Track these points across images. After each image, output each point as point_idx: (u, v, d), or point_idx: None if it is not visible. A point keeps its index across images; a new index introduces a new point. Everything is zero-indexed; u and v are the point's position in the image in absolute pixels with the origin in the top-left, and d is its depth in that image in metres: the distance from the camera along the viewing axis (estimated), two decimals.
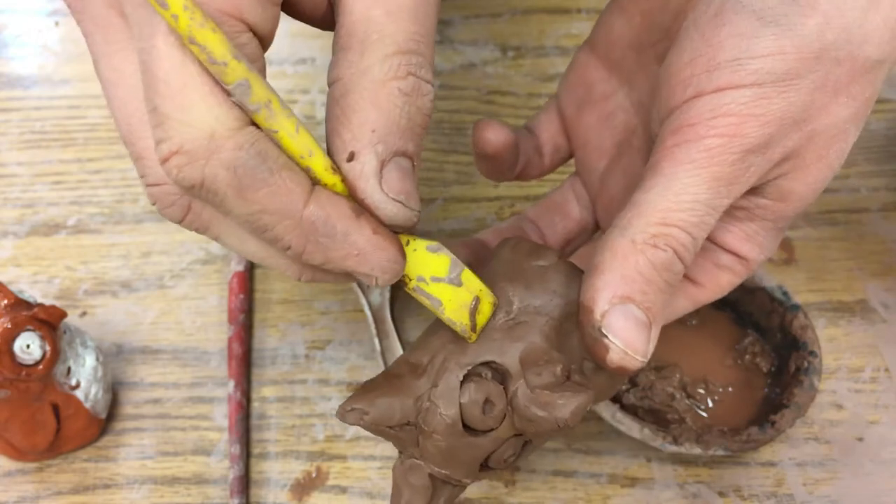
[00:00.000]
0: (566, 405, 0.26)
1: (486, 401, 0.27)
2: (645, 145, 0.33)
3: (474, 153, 0.35)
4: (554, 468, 0.39)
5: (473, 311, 0.27)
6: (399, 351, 0.42)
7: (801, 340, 0.39)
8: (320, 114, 0.52)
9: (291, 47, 0.55)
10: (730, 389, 0.39)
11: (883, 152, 0.50)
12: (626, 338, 0.26)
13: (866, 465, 0.39)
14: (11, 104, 0.53)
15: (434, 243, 0.26)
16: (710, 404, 0.39)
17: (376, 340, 0.42)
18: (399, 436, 0.28)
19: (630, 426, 0.36)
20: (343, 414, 0.28)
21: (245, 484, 0.38)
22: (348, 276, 0.26)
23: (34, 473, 0.39)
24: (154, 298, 0.45)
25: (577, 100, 0.35)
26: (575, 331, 0.28)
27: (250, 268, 0.45)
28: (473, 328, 0.27)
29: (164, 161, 0.22)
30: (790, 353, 0.39)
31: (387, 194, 0.24)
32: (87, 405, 0.38)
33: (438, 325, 0.29)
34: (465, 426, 0.27)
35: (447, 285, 0.26)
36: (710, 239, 0.29)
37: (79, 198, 0.49)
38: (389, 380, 0.28)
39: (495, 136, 0.33)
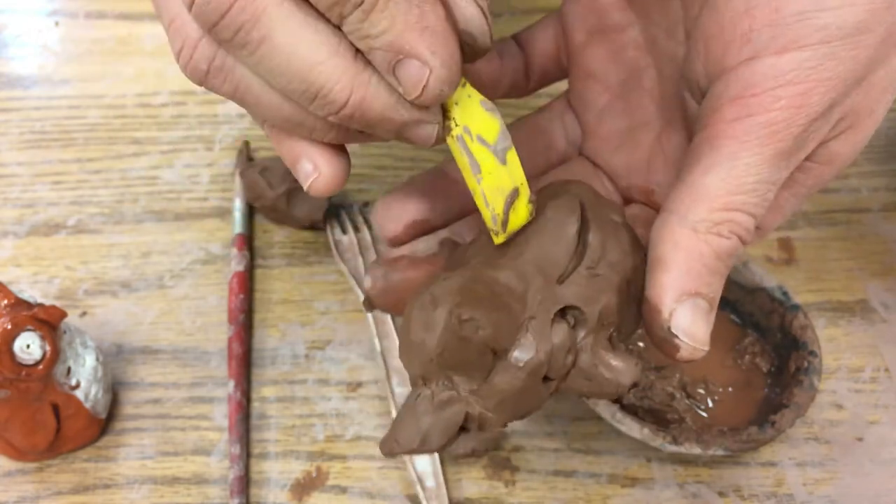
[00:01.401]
0: (629, 372, 0.25)
1: (570, 348, 0.25)
2: (657, 87, 0.31)
3: None
4: (554, 468, 0.39)
5: (509, 204, 0.25)
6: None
7: (801, 340, 0.39)
8: None
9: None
10: (730, 389, 0.39)
11: (883, 152, 0.50)
12: (693, 332, 0.25)
13: (866, 465, 0.39)
14: (11, 104, 0.53)
15: (488, 101, 0.24)
16: (710, 404, 0.39)
17: (376, 340, 0.42)
18: (473, 363, 0.25)
19: (630, 426, 0.36)
20: (460, 322, 0.25)
21: (245, 484, 0.38)
22: (387, 113, 0.23)
23: (34, 473, 0.39)
24: (154, 298, 0.45)
25: (587, 26, 0.32)
26: (632, 302, 0.27)
27: (250, 268, 0.45)
28: (504, 225, 0.25)
29: (189, 3, 0.21)
30: (790, 353, 0.39)
31: None
32: (87, 405, 0.38)
33: (509, 247, 0.26)
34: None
35: (491, 155, 0.24)
36: None
37: (79, 198, 0.49)
38: (494, 296, 0.25)
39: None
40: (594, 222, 0.26)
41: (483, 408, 0.26)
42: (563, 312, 0.26)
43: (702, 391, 0.39)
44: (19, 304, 0.35)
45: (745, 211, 0.25)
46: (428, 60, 0.21)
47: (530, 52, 0.33)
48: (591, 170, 0.33)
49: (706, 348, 0.26)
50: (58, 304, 0.38)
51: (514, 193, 0.25)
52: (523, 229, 0.26)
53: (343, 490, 0.39)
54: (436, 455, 0.39)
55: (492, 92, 0.32)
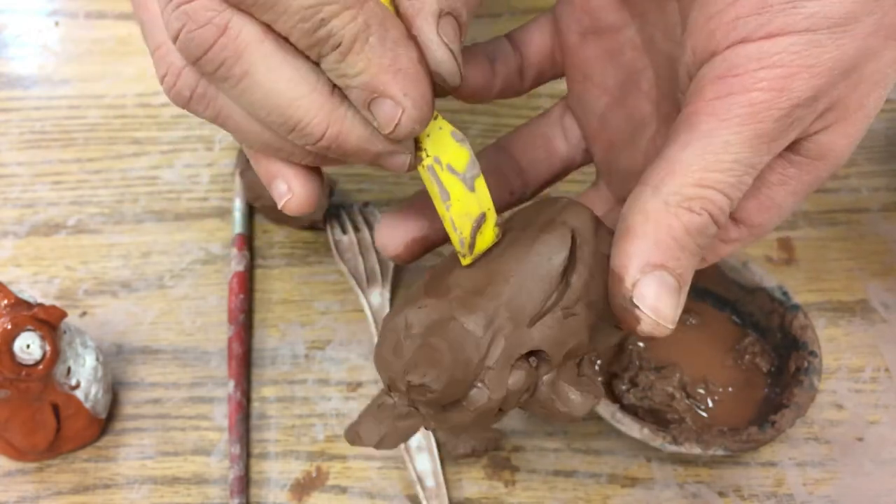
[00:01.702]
0: (584, 405, 0.26)
1: (527, 389, 0.26)
2: (655, 89, 0.31)
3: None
4: (554, 468, 0.39)
5: (475, 229, 0.26)
6: None
7: (801, 340, 0.39)
8: None
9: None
10: (730, 389, 0.39)
11: (883, 152, 0.50)
12: (657, 307, 0.25)
13: (866, 465, 0.39)
14: (11, 104, 0.53)
15: (458, 132, 0.25)
16: (710, 404, 0.39)
17: (376, 340, 0.42)
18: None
19: (630, 426, 0.36)
20: (410, 390, 0.26)
21: (245, 484, 0.38)
22: (361, 146, 0.24)
23: (34, 473, 0.39)
24: (154, 298, 0.45)
25: (581, 27, 0.32)
26: (601, 327, 0.27)
27: (250, 268, 0.45)
28: (471, 248, 0.26)
29: (174, 37, 0.23)
30: (790, 353, 0.39)
31: (441, 38, 0.23)
32: (87, 405, 0.38)
33: (491, 278, 0.27)
34: None
35: (460, 183, 0.25)
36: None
37: (79, 198, 0.49)
38: (453, 351, 0.26)
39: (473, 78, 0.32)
40: (581, 260, 0.27)
41: (438, 428, 0.27)
42: (528, 354, 0.26)
43: (702, 391, 0.39)
44: (19, 304, 0.35)
45: (720, 189, 0.24)
46: (401, 101, 0.23)
47: (524, 52, 0.33)
48: (607, 198, 0.33)
49: (671, 326, 0.25)
50: (58, 304, 0.38)
51: (481, 218, 0.26)
52: (509, 262, 0.26)
53: (343, 490, 0.39)
54: (436, 455, 0.39)
55: (486, 92, 0.33)
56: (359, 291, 0.44)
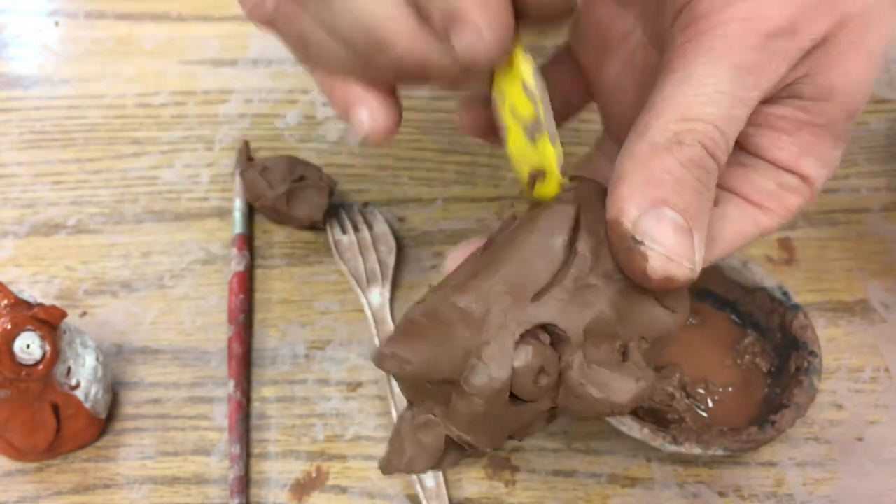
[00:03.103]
0: (625, 390, 0.23)
1: (541, 370, 0.24)
2: None
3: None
4: (554, 468, 0.39)
5: (533, 178, 0.25)
6: None
7: (801, 340, 0.39)
8: (321, 113, 0.52)
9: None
10: (730, 389, 0.39)
11: (883, 152, 0.50)
12: (666, 242, 0.23)
13: (866, 465, 0.39)
14: (11, 104, 0.53)
15: (531, 84, 0.24)
16: (710, 404, 0.39)
17: (376, 340, 0.42)
18: (432, 391, 0.25)
19: (630, 426, 0.36)
20: (381, 359, 0.24)
21: (245, 484, 0.38)
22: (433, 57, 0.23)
23: (34, 473, 0.39)
24: (154, 298, 0.45)
25: (595, 48, 0.32)
26: (639, 304, 0.25)
27: (250, 268, 0.45)
28: (531, 190, 0.26)
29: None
30: (790, 353, 0.39)
31: None
32: (87, 405, 0.38)
33: (490, 261, 0.26)
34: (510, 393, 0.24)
35: (520, 129, 0.25)
36: (763, 156, 0.27)
37: (79, 198, 0.49)
38: (437, 325, 0.25)
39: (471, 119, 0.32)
40: (587, 230, 0.25)
41: (458, 431, 0.25)
42: (536, 332, 0.24)
43: (702, 391, 0.39)
44: (19, 304, 0.35)
45: (707, 120, 0.24)
46: (480, 30, 0.22)
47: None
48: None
49: (691, 266, 0.23)
50: (58, 304, 0.38)
51: (540, 174, 0.25)
52: (509, 244, 0.26)
53: (343, 490, 0.39)
54: None
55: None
56: (359, 291, 0.44)
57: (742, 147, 0.28)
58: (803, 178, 0.27)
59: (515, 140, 0.25)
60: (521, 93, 0.24)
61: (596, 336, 0.24)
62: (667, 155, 0.23)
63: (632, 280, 0.24)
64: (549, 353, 0.24)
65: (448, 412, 0.25)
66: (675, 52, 0.24)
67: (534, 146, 0.25)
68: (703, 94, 0.24)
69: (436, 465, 0.26)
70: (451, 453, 0.26)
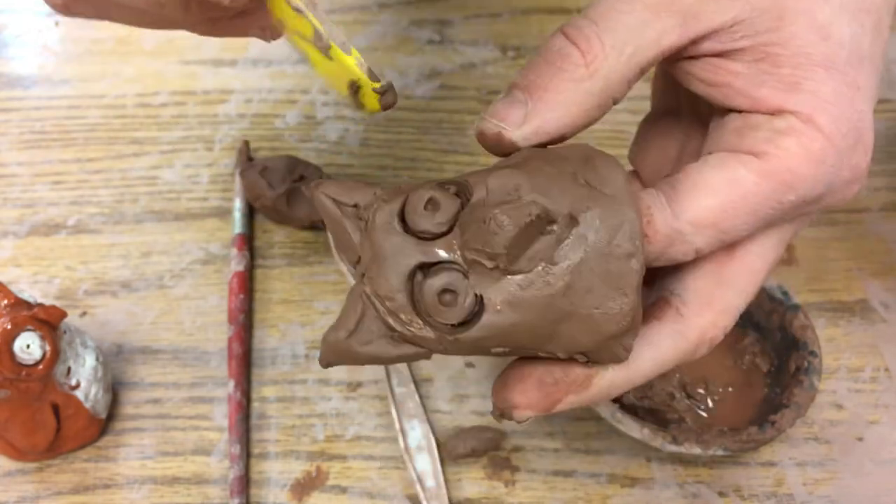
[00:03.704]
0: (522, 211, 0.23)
1: (431, 200, 0.24)
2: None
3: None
4: (554, 468, 0.39)
5: (354, 92, 0.26)
6: None
7: (801, 340, 0.39)
8: (321, 113, 0.52)
9: (291, 47, 0.55)
10: (730, 389, 0.39)
11: (883, 152, 0.50)
12: (494, 110, 0.26)
13: (866, 465, 0.39)
14: (11, 104, 0.53)
15: (300, 3, 0.25)
16: (710, 404, 0.39)
17: None
18: (350, 235, 0.25)
19: (630, 426, 0.36)
20: (312, 189, 0.26)
21: (245, 484, 0.38)
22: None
23: (34, 473, 0.39)
24: (154, 298, 0.45)
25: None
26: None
27: (250, 268, 0.45)
28: (359, 108, 0.26)
29: None
30: (790, 353, 0.39)
31: None
32: (87, 405, 0.38)
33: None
34: (404, 227, 0.24)
35: (315, 49, 0.25)
36: (749, 95, 0.26)
37: (79, 198, 0.49)
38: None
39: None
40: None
41: (368, 283, 0.24)
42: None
43: (702, 391, 0.39)
44: (19, 304, 0.35)
45: (584, 14, 0.26)
46: None
47: None
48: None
49: (500, 124, 0.26)
50: (58, 304, 0.38)
51: (354, 85, 0.26)
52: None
53: (343, 490, 0.39)
54: (436, 455, 0.39)
55: None
56: None
57: (722, 111, 0.28)
58: (803, 116, 0.25)
59: (317, 61, 0.26)
60: (294, 14, 0.25)
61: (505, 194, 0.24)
62: (535, 54, 0.26)
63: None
64: (446, 194, 0.24)
65: (361, 261, 0.25)
66: None
67: (332, 61, 0.25)
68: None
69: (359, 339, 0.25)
70: (371, 326, 0.25)
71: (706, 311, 0.27)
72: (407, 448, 0.39)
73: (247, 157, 0.50)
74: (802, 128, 0.25)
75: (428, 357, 0.25)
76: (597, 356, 0.25)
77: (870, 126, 0.28)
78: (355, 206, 0.25)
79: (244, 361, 0.42)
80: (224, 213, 0.48)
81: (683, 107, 0.31)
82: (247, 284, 0.44)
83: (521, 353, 0.25)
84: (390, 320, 0.24)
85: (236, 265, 0.45)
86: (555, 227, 0.24)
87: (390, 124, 0.52)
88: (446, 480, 0.38)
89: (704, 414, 0.39)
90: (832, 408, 0.41)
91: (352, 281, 0.45)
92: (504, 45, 0.56)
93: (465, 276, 0.24)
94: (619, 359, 0.25)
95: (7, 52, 0.56)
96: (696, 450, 0.36)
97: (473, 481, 0.39)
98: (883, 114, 0.51)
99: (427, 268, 0.24)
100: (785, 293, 0.40)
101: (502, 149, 0.26)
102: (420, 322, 0.24)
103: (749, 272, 0.28)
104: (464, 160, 0.50)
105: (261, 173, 0.46)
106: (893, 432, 0.40)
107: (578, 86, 0.25)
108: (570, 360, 0.25)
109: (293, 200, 0.45)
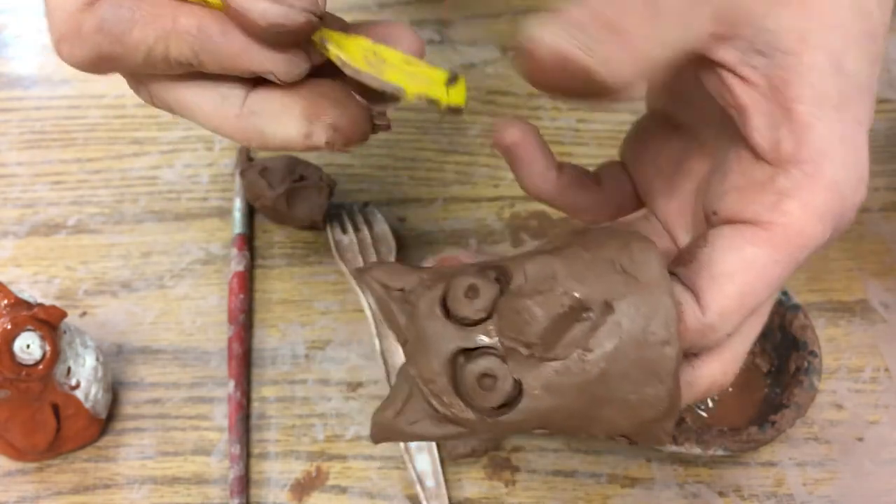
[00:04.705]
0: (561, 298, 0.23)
1: (471, 287, 0.24)
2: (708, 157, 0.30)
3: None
4: (554, 468, 0.39)
5: (453, 80, 0.27)
6: (399, 351, 0.42)
7: (801, 340, 0.39)
8: None
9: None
10: (730, 389, 0.39)
11: (883, 152, 0.50)
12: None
13: (866, 465, 0.39)
14: (11, 104, 0.53)
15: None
16: (710, 404, 0.39)
17: (376, 340, 0.42)
18: (398, 321, 0.26)
19: None
20: (361, 273, 0.26)
21: (245, 484, 0.38)
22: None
23: (34, 473, 0.39)
24: (154, 298, 0.45)
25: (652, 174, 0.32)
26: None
27: (250, 268, 0.45)
28: (448, 102, 0.27)
29: (56, 47, 0.28)
30: (790, 353, 0.39)
31: None
32: (87, 405, 0.38)
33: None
34: (446, 312, 0.25)
35: (391, 63, 0.27)
36: (765, 135, 0.25)
37: (79, 198, 0.49)
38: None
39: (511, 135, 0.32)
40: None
41: (410, 364, 0.25)
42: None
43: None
44: (19, 304, 0.35)
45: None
46: (273, 71, 0.26)
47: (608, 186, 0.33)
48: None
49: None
50: (58, 304, 0.38)
51: (450, 80, 0.28)
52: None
53: (343, 490, 0.39)
54: (436, 455, 0.39)
55: (598, 213, 0.33)
56: (359, 291, 0.44)
57: (732, 136, 0.27)
58: (802, 165, 0.25)
59: (392, 74, 0.27)
60: (346, 39, 0.27)
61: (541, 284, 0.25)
62: None
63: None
64: (484, 278, 0.25)
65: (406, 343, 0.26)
66: None
67: (404, 68, 0.27)
68: None
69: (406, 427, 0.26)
70: (418, 407, 0.26)
71: (716, 362, 0.27)
72: (407, 448, 0.39)
73: (247, 157, 0.50)
74: (807, 184, 0.25)
75: (472, 435, 0.26)
76: (637, 438, 0.25)
77: (867, 157, 0.28)
78: (401, 290, 0.26)
79: (244, 361, 0.42)
80: (224, 213, 0.48)
81: (682, 115, 0.31)
82: (247, 284, 0.44)
83: (564, 433, 0.26)
84: (434, 402, 0.25)
85: (236, 265, 0.45)
86: (591, 314, 0.24)
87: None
88: (446, 480, 0.38)
89: (704, 414, 0.39)
90: (832, 408, 0.41)
91: (352, 281, 0.45)
92: (504, 45, 0.56)
93: (504, 361, 0.24)
94: (660, 442, 0.25)
95: (7, 52, 0.56)
96: (696, 450, 0.36)
97: (473, 481, 0.39)
98: (883, 114, 0.51)
99: (468, 352, 0.25)
100: (785, 293, 0.40)
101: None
102: (461, 404, 0.25)
103: (757, 316, 0.28)
104: (463, 160, 0.50)
105: (261, 173, 0.46)
106: (893, 432, 0.40)
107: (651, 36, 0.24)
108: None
109: (293, 200, 0.45)
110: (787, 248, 0.25)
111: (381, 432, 0.26)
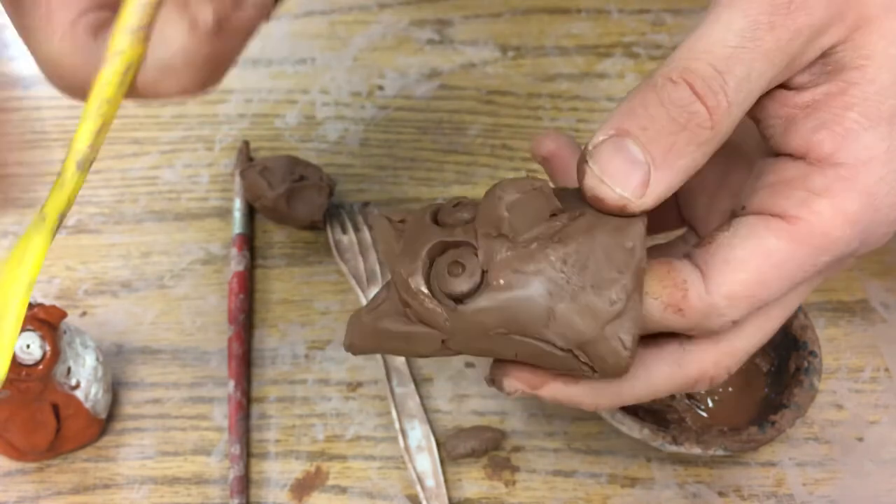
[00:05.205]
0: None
1: (460, 203, 0.26)
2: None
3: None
4: (554, 468, 0.39)
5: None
6: None
7: (801, 340, 0.39)
8: (321, 113, 0.52)
9: (291, 47, 0.55)
10: (730, 389, 0.39)
11: None
12: (609, 167, 0.24)
13: (866, 465, 0.39)
14: (11, 104, 0.53)
15: None
16: (710, 404, 0.39)
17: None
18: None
19: (630, 426, 0.36)
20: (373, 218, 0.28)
21: (245, 484, 0.38)
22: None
23: (34, 473, 0.39)
24: (154, 298, 0.45)
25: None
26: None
27: (250, 268, 0.45)
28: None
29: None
30: (790, 353, 0.39)
31: None
32: (87, 405, 0.38)
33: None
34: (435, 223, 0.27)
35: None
36: (805, 137, 0.25)
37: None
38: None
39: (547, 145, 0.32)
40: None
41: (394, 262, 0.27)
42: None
43: (702, 391, 0.39)
44: None
45: (705, 60, 0.23)
46: None
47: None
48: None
49: (620, 191, 0.24)
50: (58, 304, 0.38)
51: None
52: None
53: (343, 490, 0.39)
54: (436, 455, 0.39)
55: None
56: (359, 291, 0.44)
57: (769, 151, 0.27)
58: (835, 165, 0.24)
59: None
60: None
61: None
62: (651, 91, 0.24)
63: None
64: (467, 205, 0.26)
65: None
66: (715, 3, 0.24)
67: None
68: (713, 33, 0.23)
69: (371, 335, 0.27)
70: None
71: (710, 350, 0.27)
72: (407, 448, 0.39)
73: (247, 157, 0.50)
74: (841, 187, 0.25)
75: (434, 346, 0.26)
76: (594, 351, 0.25)
77: None
78: (402, 220, 0.28)
79: (244, 361, 0.42)
80: (224, 213, 0.48)
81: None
82: (247, 284, 0.44)
83: (523, 334, 0.26)
84: (406, 296, 0.26)
85: (236, 265, 0.45)
86: (563, 218, 0.25)
87: (390, 124, 0.52)
88: (446, 480, 0.38)
89: (704, 414, 0.39)
90: (832, 408, 0.41)
91: (352, 281, 0.45)
92: (504, 45, 0.56)
93: (476, 254, 0.26)
94: (617, 362, 0.25)
95: (7, 52, 0.56)
96: (696, 450, 0.35)
97: (473, 481, 0.39)
98: None
99: (446, 249, 0.26)
100: None
101: (599, 207, 0.25)
102: (428, 294, 0.25)
103: (765, 318, 0.27)
104: (463, 160, 0.50)
105: (261, 173, 0.46)
106: (893, 432, 0.40)
107: (700, 149, 0.24)
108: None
109: (293, 200, 0.45)
110: (809, 246, 0.25)
111: (352, 331, 0.27)
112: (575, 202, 0.26)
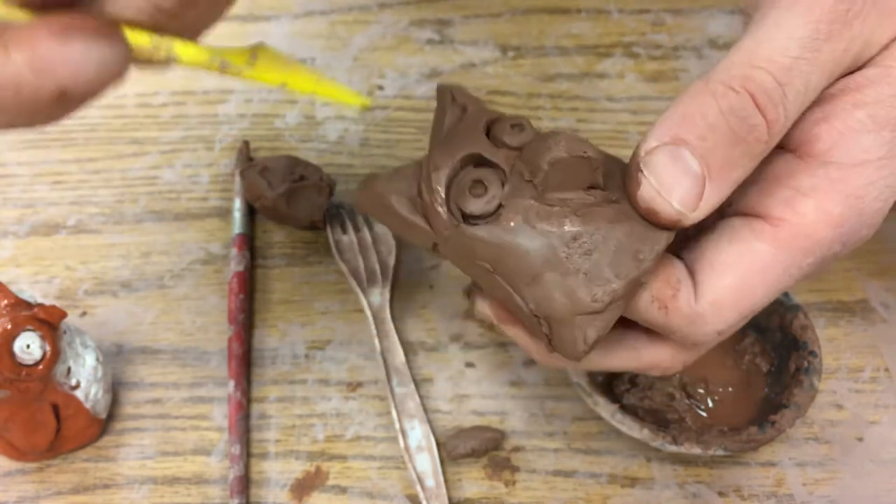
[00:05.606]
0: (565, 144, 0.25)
1: (519, 123, 0.27)
2: None
3: None
4: (554, 468, 0.39)
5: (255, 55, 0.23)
6: (399, 351, 0.42)
7: (801, 340, 0.39)
8: (321, 113, 0.52)
9: (291, 47, 0.55)
10: (730, 389, 0.39)
11: None
12: (664, 178, 0.23)
13: (866, 465, 0.39)
14: None
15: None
16: (710, 404, 0.39)
17: (376, 340, 0.42)
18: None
19: (630, 426, 0.36)
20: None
21: (245, 484, 0.38)
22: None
23: (34, 473, 0.39)
24: (154, 298, 0.45)
25: None
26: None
27: (250, 268, 0.45)
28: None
29: None
30: (790, 353, 0.39)
31: None
32: (87, 405, 0.38)
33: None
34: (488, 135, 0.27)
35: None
36: (806, 130, 0.24)
37: (79, 198, 0.49)
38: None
39: None
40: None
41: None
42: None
43: (702, 391, 0.39)
44: (19, 304, 0.35)
45: (767, 69, 0.22)
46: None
47: None
48: None
49: (682, 209, 0.23)
50: (58, 304, 0.38)
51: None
52: None
53: (343, 490, 0.39)
54: (436, 455, 0.39)
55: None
56: (359, 291, 0.44)
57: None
58: (831, 166, 0.24)
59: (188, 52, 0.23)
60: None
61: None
62: (709, 97, 0.22)
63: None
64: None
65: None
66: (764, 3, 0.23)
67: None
68: (774, 40, 0.22)
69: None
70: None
71: (670, 344, 0.27)
72: (407, 448, 0.39)
73: (247, 157, 0.50)
74: (828, 188, 0.24)
75: (425, 243, 0.26)
76: (557, 331, 0.25)
77: None
78: (464, 107, 0.28)
79: (244, 361, 0.42)
80: (224, 213, 0.48)
81: None
82: (247, 284, 0.44)
83: (498, 288, 0.26)
84: (423, 187, 0.26)
85: (236, 265, 0.45)
86: (597, 193, 0.25)
87: (390, 124, 0.52)
88: (446, 480, 0.38)
89: (704, 414, 0.39)
90: (832, 408, 0.41)
91: (352, 281, 0.45)
92: (504, 45, 0.56)
93: (503, 185, 0.25)
94: (573, 352, 0.25)
95: None
96: (696, 450, 0.36)
97: (473, 481, 0.39)
98: None
99: (480, 164, 0.26)
100: (785, 293, 0.40)
101: (651, 219, 0.24)
102: (443, 199, 0.25)
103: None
104: None
105: (261, 173, 0.46)
106: (893, 432, 0.40)
107: (752, 161, 0.23)
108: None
109: (293, 200, 0.45)
110: (791, 248, 0.24)
111: (364, 193, 0.27)
112: (616, 181, 0.25)
